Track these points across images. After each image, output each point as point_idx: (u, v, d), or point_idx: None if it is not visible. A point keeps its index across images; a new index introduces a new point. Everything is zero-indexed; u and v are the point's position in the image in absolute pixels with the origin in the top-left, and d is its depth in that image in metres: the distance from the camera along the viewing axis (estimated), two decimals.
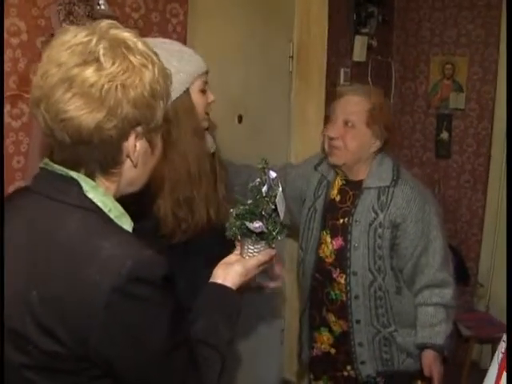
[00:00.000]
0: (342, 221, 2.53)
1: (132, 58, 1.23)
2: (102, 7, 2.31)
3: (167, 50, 1.97)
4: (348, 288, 2.49)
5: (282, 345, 3.96)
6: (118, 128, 1.23)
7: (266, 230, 1.59)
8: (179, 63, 1.97)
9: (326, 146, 2.53)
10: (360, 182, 2.52)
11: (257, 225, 1.57)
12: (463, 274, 4.23)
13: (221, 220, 2.03)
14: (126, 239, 1.25)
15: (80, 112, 1.19)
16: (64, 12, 2.21)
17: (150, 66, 1.26)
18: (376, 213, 2.45)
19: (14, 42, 2.15)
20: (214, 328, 1.47)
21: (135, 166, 1.32)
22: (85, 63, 1.19)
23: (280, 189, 1.60)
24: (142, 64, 1.25)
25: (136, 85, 1.23)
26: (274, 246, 1.65)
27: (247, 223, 1.58)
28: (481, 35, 4.39)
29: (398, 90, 4.72)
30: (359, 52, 4.03)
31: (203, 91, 2.05)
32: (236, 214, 1.62)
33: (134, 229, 1.36)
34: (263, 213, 1.59)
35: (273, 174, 1.60)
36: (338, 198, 2.58)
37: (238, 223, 1.61)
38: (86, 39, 1.22)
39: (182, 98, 1.98)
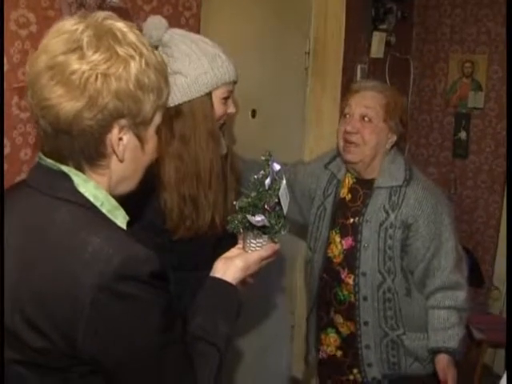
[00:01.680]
0: (352, 220, 2.49)
1: (118, 48, 1.22)
2: None
3: (203, 49, 2.01)
4: (356, 289, 2.44)
5: (291, 342, 3.93)
6: (98, 119, 1.21)
7: (268, 224, 1.57)
8: (209, 64, 1.99)
9: (341, 142, 2.46)
10: (371, 181, 2.47)
11: (259, 218, 1.54)
12: (477, 276, 4.18)
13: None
14: (115, 234, 1.23)
15: (60, 100, 1.18)
16: (76, 5, 2.19)
17: (138, 58, 1.23)
18: (387, 213, 2.41)
19: (23, 33, 2.13)
20: (212, 324, 1.45)
21: (121, 161, 1.29)
22: (69, 51, 1.19)
23: (284, 182, 1.58)
24: (129, 55, 1.22)
25: (119, 75, 1.20)
26: (276, 240, 1.63)
27: (249, 216, 1.56)
28: (501, 33, 4.32)
29: (416, 87, 4.69)
30: (377, 48, 4.00)
31: (225, 99, 2.06)
32: (239, 207, 1.59)
33: (130, 222, 1.35)
34: (266, 206, 1.56)
35: (276, 167, 1.58)
36: (348, 197, 2.54)
37: (239, 216, 1.59)
38: (73, 28, 1.22)
39: (202, 100, 2.00)
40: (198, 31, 2.72)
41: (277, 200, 1.57)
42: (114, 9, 2.25)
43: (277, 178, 1.58)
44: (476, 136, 4.50)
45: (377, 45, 3.99)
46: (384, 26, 4.05)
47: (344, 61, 3.72)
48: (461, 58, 4.54)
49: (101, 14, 1.27)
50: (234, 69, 2.06)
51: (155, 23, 2.05)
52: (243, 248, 1.64)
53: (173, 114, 1.98)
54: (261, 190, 1.57)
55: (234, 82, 2.09)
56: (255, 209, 1.57)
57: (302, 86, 3.74)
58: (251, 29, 3.26)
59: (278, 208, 1.59)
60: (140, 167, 1.37)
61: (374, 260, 2.41)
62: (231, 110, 2.09)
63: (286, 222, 1.61)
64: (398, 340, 2.46)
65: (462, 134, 4.54)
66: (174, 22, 2.60)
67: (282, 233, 1.61)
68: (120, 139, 1.26)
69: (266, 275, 2.64)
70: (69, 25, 1.23)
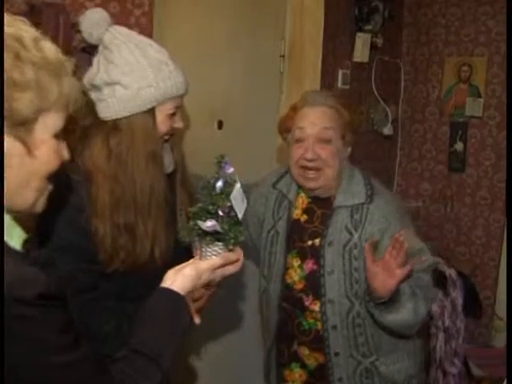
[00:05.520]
0: (310, 243, 2.45)
1: None
2: None
3: (149, 57, 1.95)
4: (324, 318, 2.40)
5: None
6: None
7: (220, 230, 1.61)
8: (155, 76, 1.93)
9: (297, 170, 2.42)
10: (328, 200, 2.45)
11: (209, 223, 1.58)
12: (474, 304, 4.10)
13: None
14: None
15: None
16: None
17: (7, 53, 1.21)
18: (350, 233, 2.38)
19: None
20: (154, 338, 1.48)
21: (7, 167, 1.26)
22: None
23: (238, 185, 1.62)
24: None
25: None
26: (231, 247, 1.67)
27: (200, 222, 1.60)
28: (502, 32, 4.27)
29: (407, 94, 4.67)
30: (361, 51, 4.01)
31: (172, 115, 2.01)
32: (191, 213, 1.64)
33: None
34: (219, 211, 1.61)
35: (229, 169, 1.62)
36: (303, 218, 2.50)
37: (191, 223, 1.64)
38: None
39: (143, 116, 1.95)
40: (150, 32, 2.69)
41: (230, 204, 1.61)
42: (47, 5, 2.21)
43: (229, 180, 1.63)
44: (474, 147, 4.43)
45: (361, 47, 3.99)
46: (369, 27, 4.04)
47: (323, 65, 3.70)
48: (457, 62, 4.48)
49: None
50: (183, 80, 2.01)
51: (95, 19, 2.00)
52: (199, 257, 1.67)
53: (109, 129, 1.95)
54: (213, 193, 1.62)
55: (183, 95, 2.05)
56: (208, 214, 1.61)
57: (277, 94, 3.70)
58: (217, 29, 3.22)
59: (233, 213, 1.63)
60: (33, 176, 1.32)
61: (340, 285, 2.37)
62: (178, 125, 2.05)
63: (243, 229, 1.67)
64: (372, 367, 2.42)
65: (459, 146, 4.47)
66: (121, 21, 2.54)
67: (239, 240, 1.65)
68: None
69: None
70: None
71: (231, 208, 1.61)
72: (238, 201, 1.61)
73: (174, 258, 1.87)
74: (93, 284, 1.96)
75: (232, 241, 1.64)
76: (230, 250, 1.67)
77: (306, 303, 2.44)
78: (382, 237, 2.32)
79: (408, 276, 2.20)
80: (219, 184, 1.61)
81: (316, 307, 2.42)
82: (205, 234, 1.62)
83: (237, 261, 1.75)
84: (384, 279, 2.16)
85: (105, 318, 1.96)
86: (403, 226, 2.34)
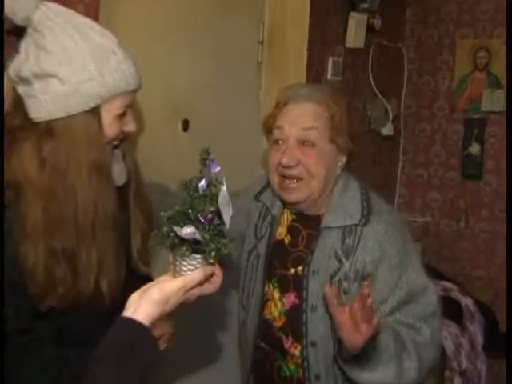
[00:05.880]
0: (293, 270, 2.39)
1: None
2: None
3: (90, 42, 1.86)
4: (305, 364, 2.34)
5: None
6: None
7: (200, 239, 1.58)
8: (98, 68, 1.84)
9: (277, 178, 2.36)
10: (317, 218, 2.38)
11: (188, 230, 1.56)
12: (497, 340, 3.99)
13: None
14: None
15: None
16: None
17: None
18: (340, 260, 2.31)
19: None
20: (109, 377, 1.47)
21: None
22: None
23: (224, 187, 1.60)
24: None
25: None
26: (211, 261, 1.64)
27: (176, 228, 1.57)
28: None
29: (411, 86, 4.68)
30: (354, 35, 3.96)
31: (122, 116, 1.93)
32: (166, 218, 1.61)
33: None
34: (200, 216, 1.59)
35: (215, 168, 1.61)
36: (287, 239, 2.44)
37: (165, 229, 1.61)
38: None
39: (84, 117, 1.86)
40: (96, 12, 2.54)
41: (213, 209, 1.59)
42: None
43: (214, 181, 1.62)
44: (493, 149, 4.39)
45: (354, 30, 3.94)
46: (365, 5, 3.98)
47: (309, 52, 3.67)
48: (472, 45, 4.46)
49: None
50: (134, 72, 1.92)
51: None
52: (173, 273, 1.66)
53: (42, 133, 1.85)
54: (194, 195, 1.61)
55: (135, 91, 1.96)
56: (186, 219, 1.60)
57: (255, 86, 3.68)
58: (180, 9, 3.11)
59: (217, 220, 1.61)
60: None
61: (326, 325, 2.30)
62: (129, 128, 1.96)
63: (227, 241, 1.62)
64: None
65: (475, 148, 4.44)
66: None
67: (223, 252, 1.61)
68: None
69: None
70: None
71: (214, 214, 1.60)
72: (225, 206, 1.59)
73: (130, 289, 1.74)
74: (25, 324, 1.85)
75: (213, 253, 1.59)
76: (210, 264, 1.65)
77: (286, 345, 2.40)
78: (375, 269, 2.26)
79: (375, 332, 2.10)
80: (201, 185, 1.59)
81: (296, 351, 2.37)
82: (181, 242, 1.60)
83: (216, 277, 1.76)
84: (351, 331, 2.05)
85: (39, 366, 1.86)
86: (403, 257, 2.30)
